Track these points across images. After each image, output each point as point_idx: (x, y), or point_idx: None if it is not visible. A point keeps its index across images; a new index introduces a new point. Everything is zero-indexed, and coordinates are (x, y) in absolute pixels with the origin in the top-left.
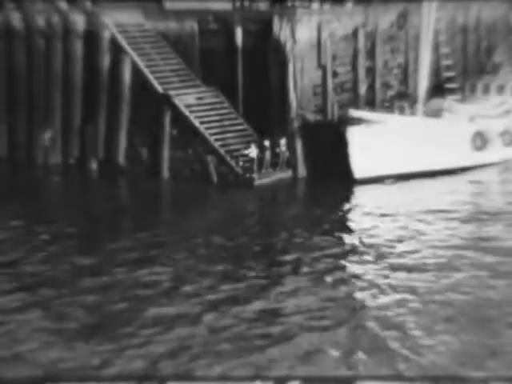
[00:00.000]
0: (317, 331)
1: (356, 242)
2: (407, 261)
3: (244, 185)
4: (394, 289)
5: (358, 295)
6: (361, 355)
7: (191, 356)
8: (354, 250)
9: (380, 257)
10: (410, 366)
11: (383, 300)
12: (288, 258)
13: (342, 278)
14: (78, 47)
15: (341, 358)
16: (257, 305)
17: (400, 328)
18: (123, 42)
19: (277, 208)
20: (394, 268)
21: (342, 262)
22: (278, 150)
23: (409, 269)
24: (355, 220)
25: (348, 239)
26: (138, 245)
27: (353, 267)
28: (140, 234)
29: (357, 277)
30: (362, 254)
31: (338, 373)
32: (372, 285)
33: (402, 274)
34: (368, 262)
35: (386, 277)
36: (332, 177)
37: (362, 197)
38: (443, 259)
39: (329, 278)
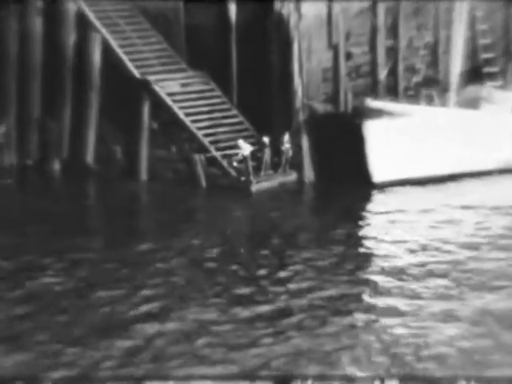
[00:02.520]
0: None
1: (371, 263)
2: (427, 289)
3: (239, 190)
4: (408, 312)
5: (369, 318)
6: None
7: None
8: (368, 274)
9: (398, 281)
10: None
11: (392, 320)
12: (290, 283)
13: (350, 306)
14: (37, 24)
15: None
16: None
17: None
18: (92, 17)
19: (278, 219)
20: (412, 294)
21: (356, 288)
22: (280, 148)
23: (427, 295)
24: (371, 236)
25: (362, 260)
26: (108, 260)
27: (366, 294)
28: (111, 249)
29: (369, 304)
30: (377, 278)
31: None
32: (384, 309)
33: (420, 301)
34: (384, 288)
35: (401, 300)
36: (345, 181)
37: (381, 206)
38: (462, 282)
39: (336, 313)
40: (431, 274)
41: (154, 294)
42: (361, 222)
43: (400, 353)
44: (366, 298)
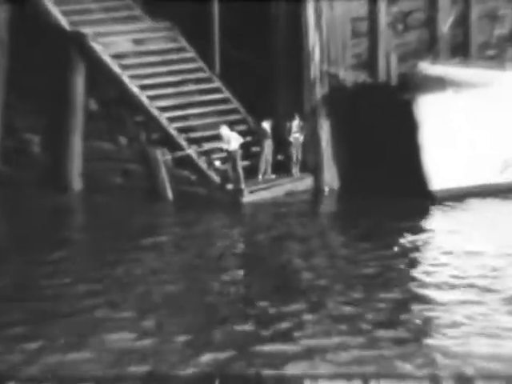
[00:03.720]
0: None
1: (409, 309)
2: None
3: (224, 203)
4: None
5: None
6: None
7: None
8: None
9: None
10: None
11: None
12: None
13: None
14: None
15: None
16: None
17: None
18: None
19: (281, 247)
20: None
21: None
22: (287, 139)
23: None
24: (413, 275)
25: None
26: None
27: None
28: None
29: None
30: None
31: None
32: None
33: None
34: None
35: None
36: (386, 189)
37: (441, 229)
38: None
39: None
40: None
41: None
42: (404, 256)
43: None
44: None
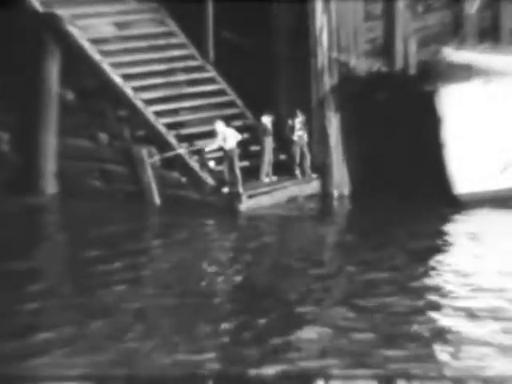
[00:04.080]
0: None
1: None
2: None
3: (218, 209)
4: None
5: None
6: None
7: None
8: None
9: None
10: None
11: None
12: None
13: None
14: None
15: None
16: None
17: None
18: None
19: (285, 271)
20: None
21: None
22: (290, 136)
23: None
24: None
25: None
26: None
27: None
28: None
29: None
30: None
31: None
32: None
33: None
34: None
35: None
36: (404, 194)
37: (460, 237)
38: None
39: None
40: None
41: None
42: (411, 267)
43: None
44: None
